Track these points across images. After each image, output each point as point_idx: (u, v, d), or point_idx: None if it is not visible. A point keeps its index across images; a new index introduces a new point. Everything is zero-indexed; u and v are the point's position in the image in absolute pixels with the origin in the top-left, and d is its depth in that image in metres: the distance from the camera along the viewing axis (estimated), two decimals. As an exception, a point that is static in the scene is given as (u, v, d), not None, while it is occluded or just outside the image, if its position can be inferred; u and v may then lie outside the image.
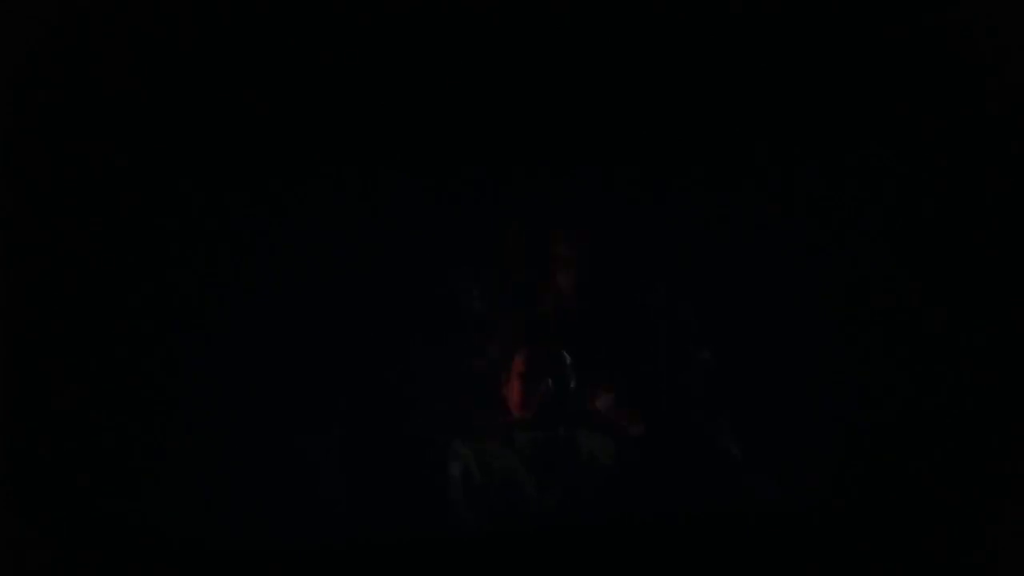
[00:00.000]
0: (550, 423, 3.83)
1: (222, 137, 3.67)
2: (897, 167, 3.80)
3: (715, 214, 3.95)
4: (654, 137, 3.90)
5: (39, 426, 3.45)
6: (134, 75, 3.56)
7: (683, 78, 3.84)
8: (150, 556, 3.44)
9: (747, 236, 3.94)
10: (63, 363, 3.49)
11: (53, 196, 3.50)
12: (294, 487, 3.63)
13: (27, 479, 3.43)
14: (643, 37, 3.79)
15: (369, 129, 3.80)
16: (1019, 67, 3.67)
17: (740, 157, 3.90)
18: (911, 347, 3.76)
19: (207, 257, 3.65)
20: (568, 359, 3.87)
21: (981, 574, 3.56)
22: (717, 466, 3.75)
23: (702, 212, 3.96)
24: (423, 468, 3.65)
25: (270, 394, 3.70)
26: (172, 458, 3.55)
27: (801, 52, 3.80)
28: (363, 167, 3.82)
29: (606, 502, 3.71)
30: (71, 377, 3.48)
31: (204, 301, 3.63)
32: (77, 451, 3.46)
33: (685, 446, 3.78)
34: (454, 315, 3.94)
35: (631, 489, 3.72)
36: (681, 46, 3.80)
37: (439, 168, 3.87)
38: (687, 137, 3.90)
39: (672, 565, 3.52)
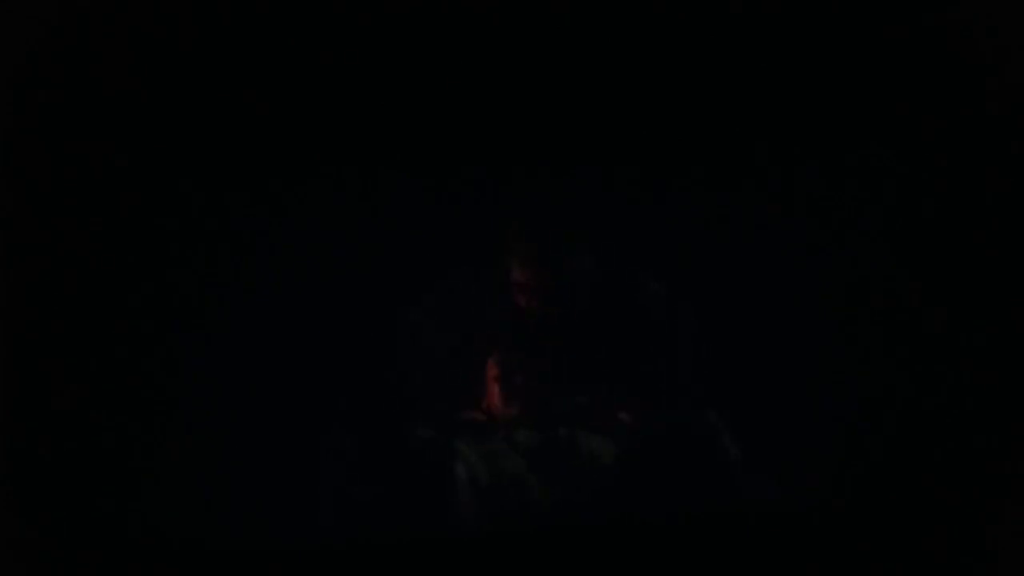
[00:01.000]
0: (549, 424, 3.82)
1: (222, 137, 3.67)
2: (897, 167, 3.80)
3: (715, 214, 3.95)
4: (654, 137, 3.90)
5: (39, 426, 3.45)
6: (134, 75, 3.56)
7: (683, 78, 3.84)
8: (150, 556, 3.44)
9: (747, 236, 3.94)
10: (63, 363, 3.49)
11: (53, 196, 3.50)
12: (294, 487, 3.63)
13: (27, 479, 3.43)
14: (643, 37, 3.79)
15: (369, 129, 3.80)
16: (1019, 67, 3.67)
17: (740, 157, 3.90)
18: (911, 347, 3.76)
19: (207, 257, 3.65)
20: (547, 359, 3.87)
21: (981, 574, 3.55)
22: (717, 466, 3.74)
23: (702, 212, 3.95)
24: (423, 467, 3.65)
25: (270, 394, 3.70)
26: (172, 458, 3.55)
27: (801, 52, 3.80)
28: (363, 167, 3.82)
29: (606, 502, 3.71)
30: (71, 377, 3.49)
31: (204, 301, 3.64)
32: (77, 451, 3.46)
33: (685, 446, 3.77)
34: (453, 315, 3.94)
35: (631, 489, 3.71)
36: (681, 46, 3.80)
37: (439, 168, 3.87)
38: (687, 137, 3.90)
39: (672, 565, 3.52)
